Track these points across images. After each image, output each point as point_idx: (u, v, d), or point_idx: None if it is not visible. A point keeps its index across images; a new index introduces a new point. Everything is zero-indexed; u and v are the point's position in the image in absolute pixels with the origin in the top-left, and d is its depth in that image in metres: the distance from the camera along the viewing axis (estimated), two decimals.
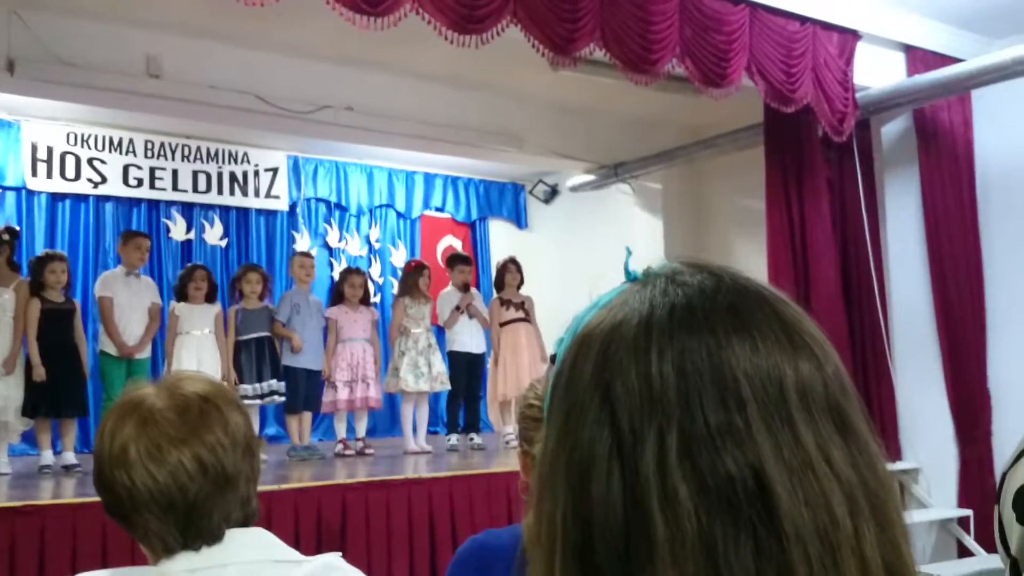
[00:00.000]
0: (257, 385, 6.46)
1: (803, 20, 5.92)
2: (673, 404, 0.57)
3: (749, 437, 0.56)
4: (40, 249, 7.17)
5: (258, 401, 6.49)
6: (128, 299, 6.31)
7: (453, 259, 7.77)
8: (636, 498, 0.56)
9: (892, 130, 6.86)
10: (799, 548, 0.55)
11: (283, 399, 6.66)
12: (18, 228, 6.62)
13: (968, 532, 6.32)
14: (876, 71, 6.46)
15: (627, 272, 0.70)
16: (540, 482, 0.63)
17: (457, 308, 7.28)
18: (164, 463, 1.26)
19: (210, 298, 6.51)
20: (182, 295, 6.47)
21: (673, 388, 0.58)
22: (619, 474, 0.57)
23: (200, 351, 6.31)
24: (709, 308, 0.61)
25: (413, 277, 7.22)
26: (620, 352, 0.60)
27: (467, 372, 7.29)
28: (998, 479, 1.10)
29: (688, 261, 0.67)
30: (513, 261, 7.67)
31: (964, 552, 6.30)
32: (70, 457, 5.85)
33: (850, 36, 6.21)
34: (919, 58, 6.55)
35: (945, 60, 6.44)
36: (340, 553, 1.44)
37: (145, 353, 6.39)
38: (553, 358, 0.71)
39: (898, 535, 0.60)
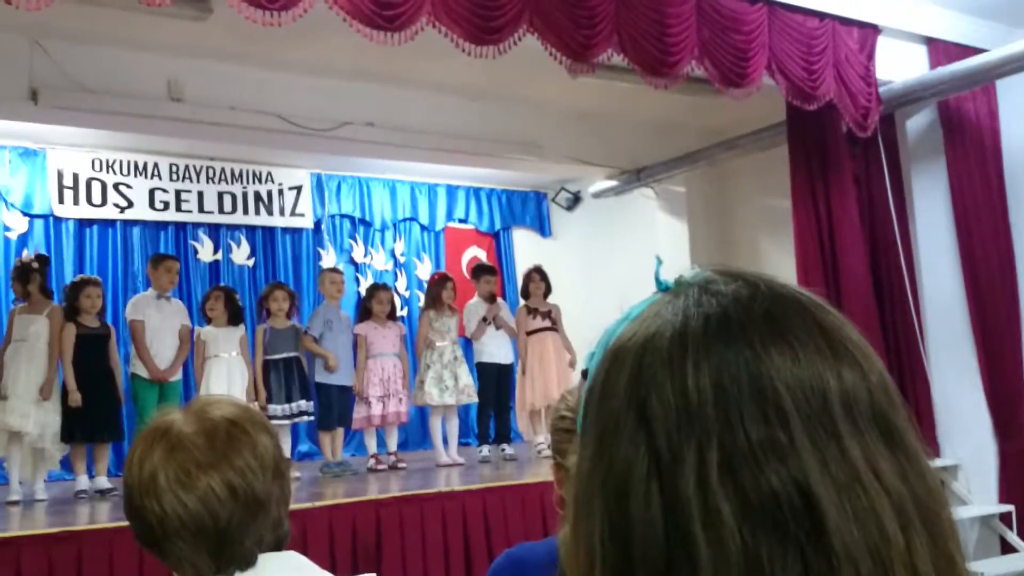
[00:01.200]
0: (286, 406, 6.49)
1: (822, 16, 5.87)
2: (712, 419, 0.55)
3: (793, 452, 0.54)
4: (69, 276, 7.25)
5: (287, 421, 6.51)
6: (160, 322, 6.36)
7: (478, 270, 7.76)
8: (677, 518, 0.55)
9: (917, 123, 6.79)
10: (850, 567, 0.53)
11: (311, 418, 6.68)
12: (48, 255, 6.68)
13: (1011, 528, 6.22)
14: (898, 64, 6.40)
15: (658, 282, 0.67)
16: (576, 502, 0.61)
17: (484, 319, 7.28)
18: (194, 489, 1.25)
19: (234, 320, 6.54)
20: (205, 319, 6.56)
21: (711, 403, 0.56)
22: (658, 493, 0.55)
23: (230, 373, 6.34)
24: (745, 318, 0.59)
25: (437, 290, 7.22)
26: (654, 366, 0.58)
27: (496, 383, 7.27)
28: None
29: (721, 269, 0.64)
30: (537, 270, 7.65)
31: (1007, 548, 6.20)
32: (103, 482, 5.89)
33: (870, 30, 6.16)
34: (941, 50, 6.48)
35: (967, 51, 6.37)
36: (375, 575, 1.44)
37: (177, 376, 6.43)
38: (585, 373, 0.68)
39: (952, 548, 0.57)
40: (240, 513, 1.26)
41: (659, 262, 0.72)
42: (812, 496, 0.53)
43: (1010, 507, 6.22)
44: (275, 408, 6.42)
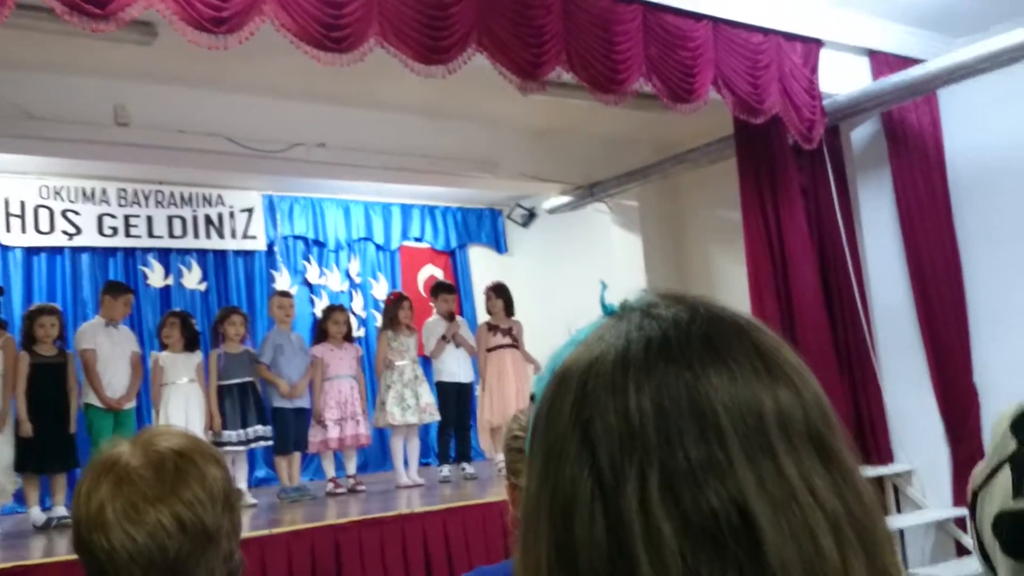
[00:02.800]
0: (241, 431, 6.41)
1: (766, 32, 5.97)
2: (653, 440, 0.56)
3: (731, 471, 0.55)
4: (18, 305, 7.14)
5: (243, 447, 6.44)
6: (110, 350, 6.27)
7: (437, 288, 7.75)
8: (620, 539, 0.55)
9: (861, 134, 6.92)
10: None
11: (268, 443, 6.62)
12: (1, 287, 6.56)
13: (965, 531, 6.32)
14: (841, 77, 6.52)
15: (603, 306, 0.69)
16: (524, 524, 0.62)
17: (443, 337, 7.26)
18: (142, 523, 1.23)
19: (190, 346, 6.48)
20: (162, 344, 6.46)
21: (652, 424, 0.57)
22: (602, 515, 0.56)
23: (188, 400, 6.27)
24: (684, 340, 0.60)
25: (393, 310, 7.20)
26: (598, 389, 0.60)
27: (456, 401, 7.26)
28: (969, 495, 1.08)
29: (664, 293, 0.66)
30: (494, 288, 7.66)
31: (963, 551, 6.29)
32: (61, 510, 5.78)
33: (813, 44, 6.27)
34: (883, 61, 6.61)
35: (908, 62, 6.50)
36: None
37: (131, 403, 6.34)
38: (533, 397, 0.69)
39: (888, 563, 0.59)
40: (190, 546, 1.25)
41: (604, 287, 0.73)
42: (749, 514, 0.55)
43: (964, 511, 6.29)
44: (229, 434, 6.35)
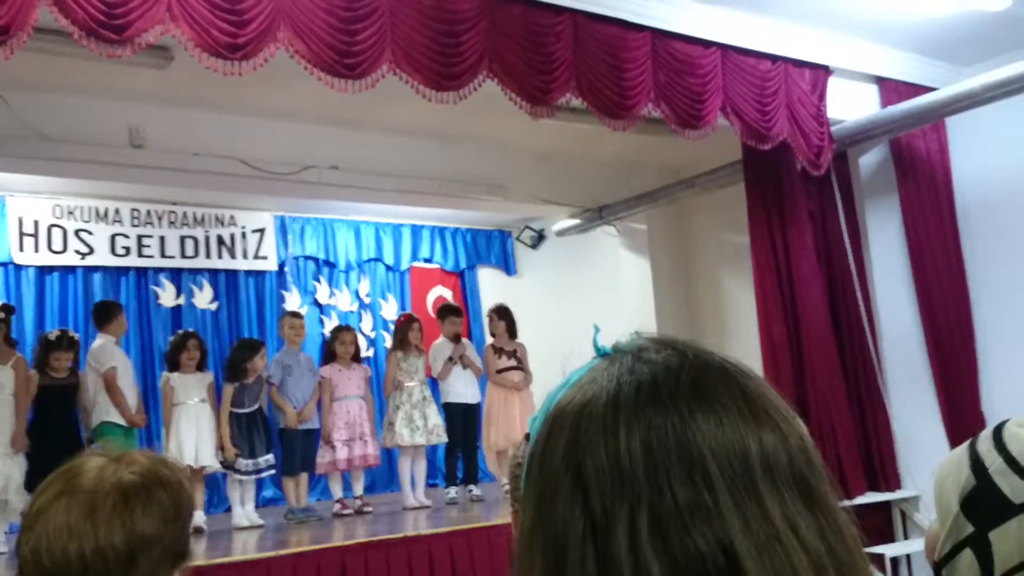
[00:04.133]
0: (249, 462, 6.42)
1: (774, 59, 6.01)
2: (642, 482, 0.59)
3: (717, 513, 0.58)
4: (30, 324, 7.19)
5: (252, 476, 6.46)
6: (124, 370, 6.33)
7: (444, 310, 7.77)
8: None
9: (869, 161, 6.95)
10: None
11: (271, 472, 6.64)
12: (13, 305, 6.62)
13: None
14: (850, 104, 6.55)
15: (596, 348, 0.71)
16: (518, 558, 0.64)
17: (450, 359, 7.29)
18: (85, 539, 1.24)
19: (201, 366, 6.51)
20: (175, 364, 6.44)
21: (642, 466, 0.59)
22: (593, 554, 0.58)
23: (198, 420, 6.29)
24: (674, 385, 0.63)
25: (404, 330, 7.22)
26: (590, 431, 0.62)
27: (463, 423, 7.27)
28: (930, 562, 1.09)
29: (655, 337, 0.68)
30: (495, 310, 7.67)
31: None
32: None
33: (821, 72, 6.31)
34: (891, 89, 6.65)
35: (917, 89, 6.54)
36: None
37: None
38: (527, 436, 0.73)
39: None
40: (121, 567, 1.25)
41: (596, 330, 0.76)
42: (735, 555, 0.57)
43: None
44: (239, 463, 6.37)
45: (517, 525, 1.74)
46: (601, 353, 0.70)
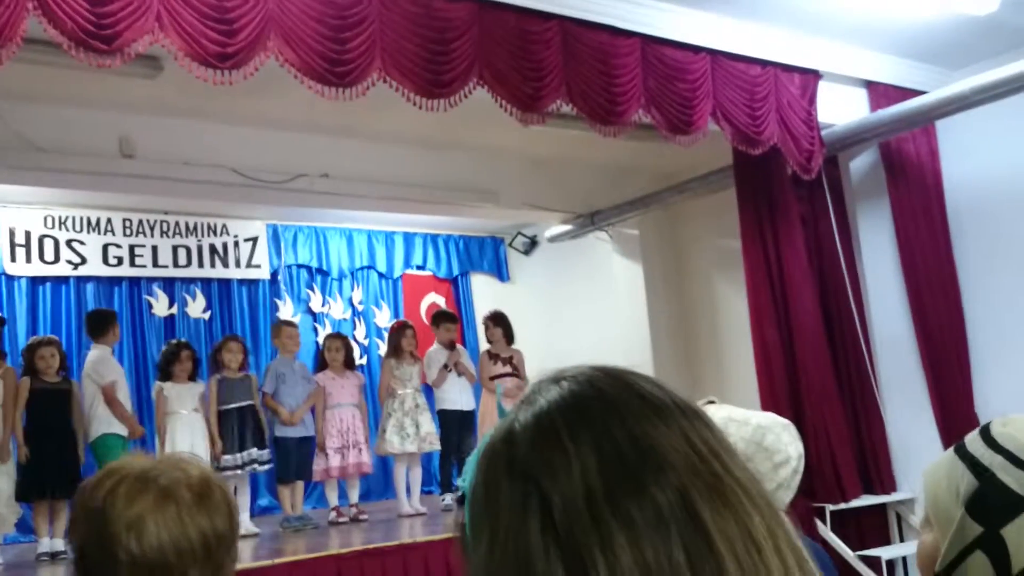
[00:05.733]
0: (239, 455, 6.41)
1: (764, 64, 6.03)
2: (600, 484, 0.60)
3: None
4: (22, 334, 7.17)
5: (240, 471, 6.44)
6: (120, 381, 6.33)
7: (438, 317, 7.78)
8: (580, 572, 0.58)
9: (860, 164, 6.97)
10: None
11: (265, 467, 6.61)
12: (3, 316, 6.61)
13: None
14: (840, 108, 6.57)
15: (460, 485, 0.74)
16: None
17: (445, 366, 7.29)
18: (178, 533, 1.30)
19: (193, 376, 6.51)
20: (167, 374, 6.44)
21: (595, 468, 0.61)
22: (560, 565, 0.59)
23: (192, 429, 6.29)
24: (595, 398, 0.65)
25: (397, 337, 7.23)
26: (532, 452, 0.63)
27: (458, 430, 7.27)
28: None
29: (542, 377, 0.71)
30: (491, 317, 7.68)
31: None
32: (59, 544, 5.77)
33: (811, 76, 6.33)
34: (881, 93, 6.67)
35: (907, 93, 6.57)
36: None
37: None
38: (462, 499, 0.71)
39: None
40: (200, 562, 1.30)
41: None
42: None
43: None
44: (227, 458, 6.35)
45: None
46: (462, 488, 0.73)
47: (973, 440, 1.10)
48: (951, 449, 1.12)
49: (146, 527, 1.29)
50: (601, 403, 0.64)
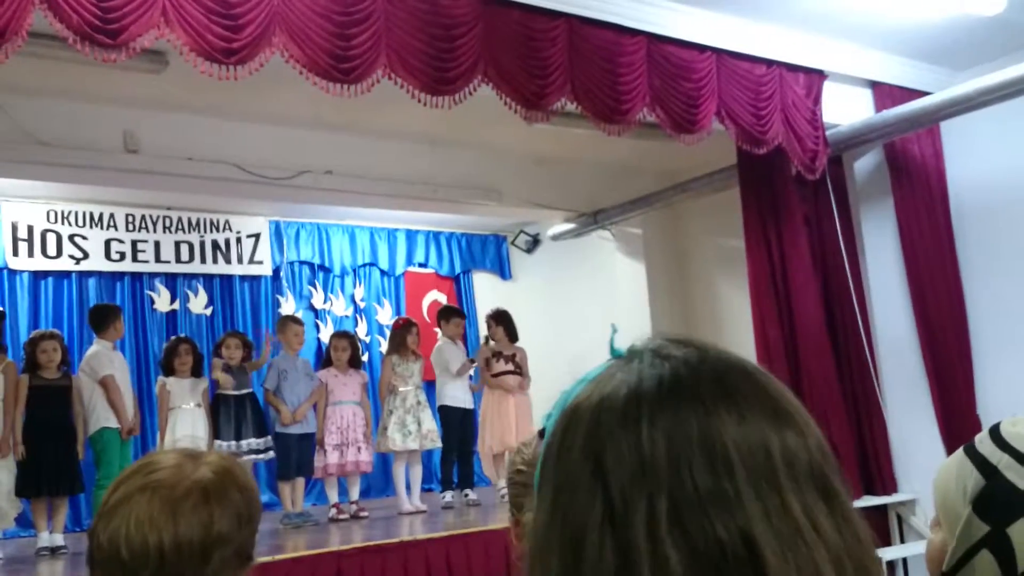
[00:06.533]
0: (234, 443, 6.39)
1: (769, 63, 6.02)
2: (664, 472, 0.59)
3: (738, 503, 0.58)
4: (24, 329, 7.17)
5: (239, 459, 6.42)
6: (121, 374, 6.33)
7: (448, 312, 7.79)
8: (628, 567, 0.57)
9: (864, 165, 6.96)
10: None
11: (262, 456, 6.60)
12: (3, 310, 6.60)
13: None
14: (844, 108, 6.56)
15: (612, 349, 0.71)
16: (533, 554, 0.64)
17: (471, 359, 7.38)
18: (166, 530, 1.27)
19: (196, 372, 6.50)
20: (169, 370, 6.45)
21: (663, 456, 0.59)
22: (611, 543, 0.58)
23: (194, 425, 6.28)
24: (696, 379, 0.63)
25: (401, 335, 7.21)
26: (611, 422, 0.62)
27: (460, 427, 7.26)
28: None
29: (672, 336, 0.68)
30: (493, 316, 7.67)
31: None
32: (58, 539, 5.77)
33: (816, 76, 6.32)
34: (886, 93, 6.66)
35: (912, 94, 6.55)
36: None
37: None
38: (542, 432, 0.71)
39: None
40: (197, 559, 1.28)
41: (614, 330, 0.75)
42: (755, 545, 0.57)
43: None
44: (221, 444, 6.33)
45: (517, 534, 1.74)
46: (616, 355, 0.69)
47: (982, 439, 1.10)
48: (961, 448, 1.12)
49: (112, 518, 1.28)
50: (692, 389, 0.62)
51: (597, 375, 0.67)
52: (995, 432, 1.09)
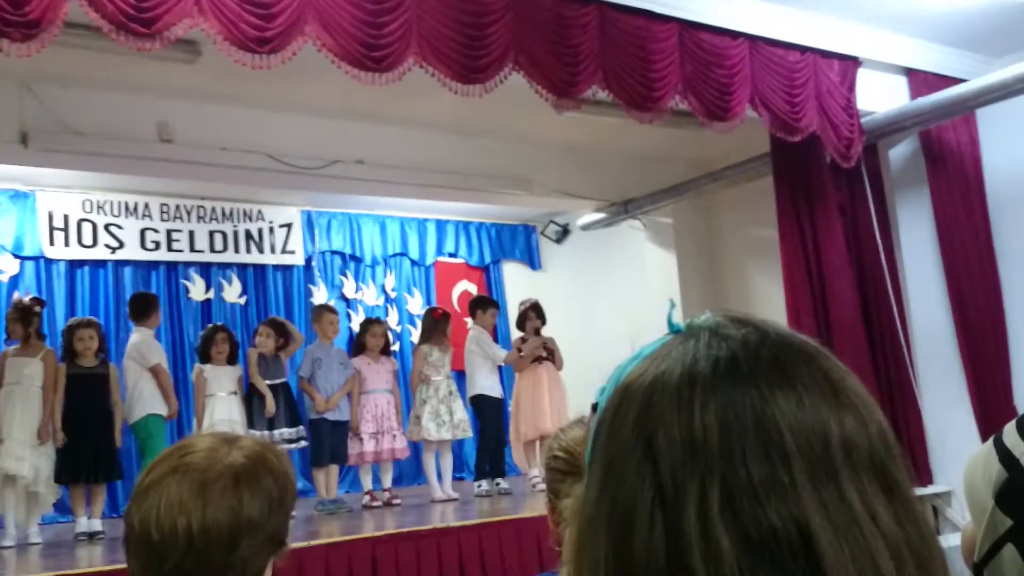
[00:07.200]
0: (267, 433, 6.44)
1: (803, 50, 5.96)
2: (716, 456, 0.57)
3: (794, 491, 0.56)
4: (61, 317, 7.25)
5: None
6: (164, 363, 6.44)
7: (484, 302, 7.77)
8: (678, 550, 0.56)
9: (900, 153, 6.88)
10: None
11: (296, 445, 6.64)
12: (43, 298, 6.68)
13: None
14: (879, 95, 6.49)
15: (670, 324, 0.69)
16: (581, 530, 0.63)
17: (521, 352, 7.36)
18: (197, 514, 1.26)
19: (231, 359, 6.57)
20: (206, 357, 6.51)
21: (716, 440, 0.58)
22: (661, 525, 0.57)
23: (231, 411, 6.35)
24: (753, 361, 0.61)
25: (441, 325, 7.21)
26: (663, 403, 0.61)
27: (496, 416, 7.28)
28: (968, 564, 1.06)
29: (732, 315, 0.67)
30: (534, 307, 7.66)
31: None
32: (96, 524, 5.84)
33: (851, 63, 6.25)
34: (921, 80, 6.58)
35: (947, 81, 6.47)
36: None
37: None
38: (595, 407, 0.70)
39: None
40: (225, 546, 1.27)
41: (672, 305, 0.74)
42: (811, 535, 0.55)
43: None
44: (253, 434, 6.37)
45: (555, 519, 1.74)
46: (675, 330, 0.68)
47: (1010, 430, 1.07)
48: (991, 439, 1.09)
49: (145, 500, 1.28)
50: (749, 373, 0.60)
51: (653, 351, 0.66)
52: (1021, 422, 1.07)
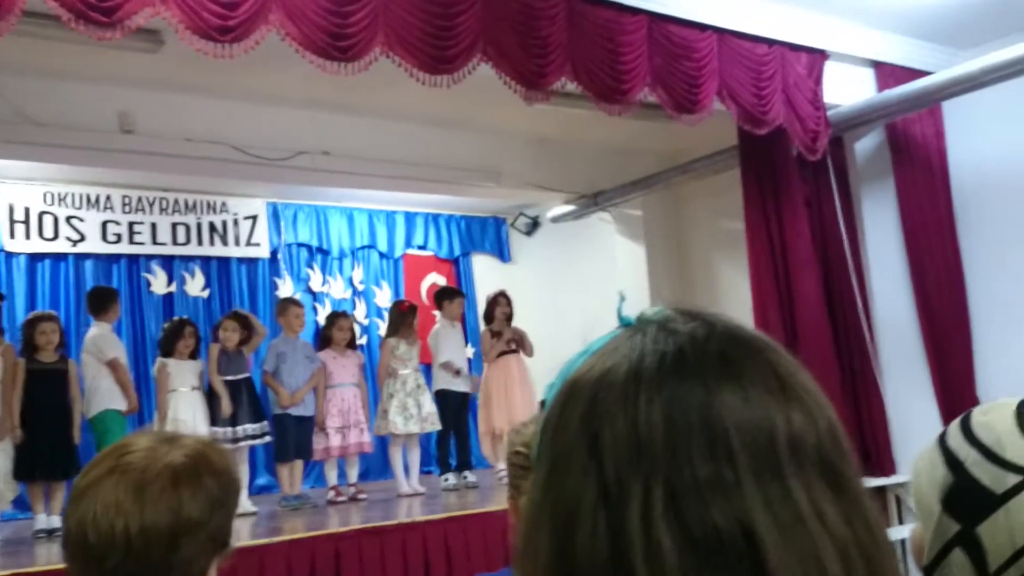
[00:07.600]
0: (230, 430, 6.36)
1: (771, 43, 5.97)
2: (660, 454, 0.56)
3: (738, 490, 0.55)
4: (21, 311, 7.14)
5: (232, 446, 6.39)
6: (122, 358, 6.33)
7: (448, 292, 7.77)
8: (621, 550, 0.55)
9: (866, 145, 6.92)
10: None
11: (260, 441, 6.57)
12: (3, 293, 6.57)
13: None
14: (846, 88, 6.52)
15: (620, 317, 0.68)
16: (526, 529, 0.62)
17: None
18: (135, 515, 1.23)
19: (194, 354, 6.48)
20: (170, 351, 6.41)
21: (661, 438, 0.56)
22: (604, 525, 0.56)
23: (193, 407, 6.26)
24: (700, 356, 0.60)
25: (408, 318, 7.18)
26: (608, 400, 0.59)
27: (457, 409, 7.26)
28: (919, 565, 1.04)
29: (682, 308, 0.65)
30: (503, 294, 7.66)
31: None
32: (55, 521, 5.75)
33: (818, 56, 6.27)
34: (888, 73, 6.61)
35: (914, 73, 6.50)
36: None
37: None
38: (543, 403, 0.69)
39: None
40: (163, 546, 1.24)
41: (622, 298, 0.72)
42: (754, 534, 0.54)
43: None
44: (216, 431, 6.29)
45: (515, 511, 1.72)
46: (625, 323, 0.66)
47: (953, 430, 1.04)
48: (936, 437, 1.07)
49: (81, 501, 1.25)
50: (695, 368, 0.59)
51: (601, 346, 0.64)
52: (965, 422, 1.04)
